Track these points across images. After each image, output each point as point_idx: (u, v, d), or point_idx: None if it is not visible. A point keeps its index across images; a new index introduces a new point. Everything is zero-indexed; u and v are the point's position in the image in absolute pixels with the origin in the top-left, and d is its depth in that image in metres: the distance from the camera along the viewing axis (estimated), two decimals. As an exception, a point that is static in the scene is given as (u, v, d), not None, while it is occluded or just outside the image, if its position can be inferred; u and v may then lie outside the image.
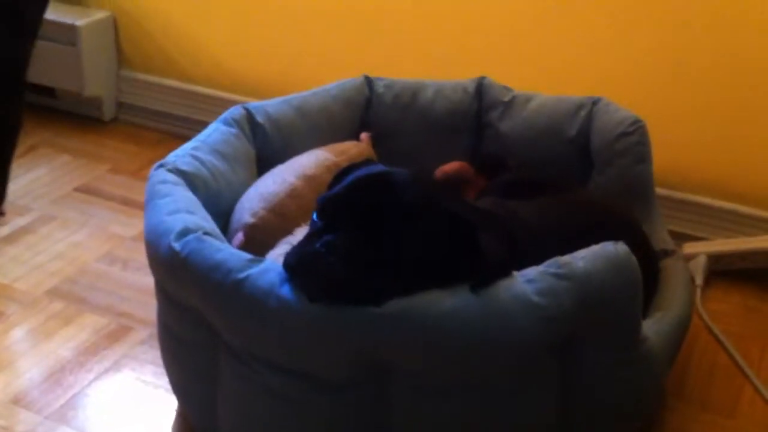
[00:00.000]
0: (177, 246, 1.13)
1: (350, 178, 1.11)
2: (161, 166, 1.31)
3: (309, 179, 1.38)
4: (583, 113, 1.55)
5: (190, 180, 1.30)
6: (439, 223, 1.05)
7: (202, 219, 1.20)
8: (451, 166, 1.53)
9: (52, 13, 2.05)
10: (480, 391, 1.08)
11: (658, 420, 1.33)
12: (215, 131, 1.43)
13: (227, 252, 1.11)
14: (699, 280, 1.61)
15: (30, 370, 1.39)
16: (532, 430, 1.12)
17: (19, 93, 0.77)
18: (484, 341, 1.03)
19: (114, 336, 1.47)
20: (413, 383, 1.07)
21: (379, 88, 1.64)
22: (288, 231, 1.31)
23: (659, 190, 1.60)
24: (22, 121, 0.81)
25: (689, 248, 1.66)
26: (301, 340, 1.06)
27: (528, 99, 1.60)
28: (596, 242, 1.12)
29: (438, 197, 1.10)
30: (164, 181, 1.27)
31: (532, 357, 1.07)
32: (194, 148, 1.37)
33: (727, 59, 1.64)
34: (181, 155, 1.34)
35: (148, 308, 1.48)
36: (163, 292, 1.24)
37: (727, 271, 1.66)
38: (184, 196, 1.25)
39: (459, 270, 1.06)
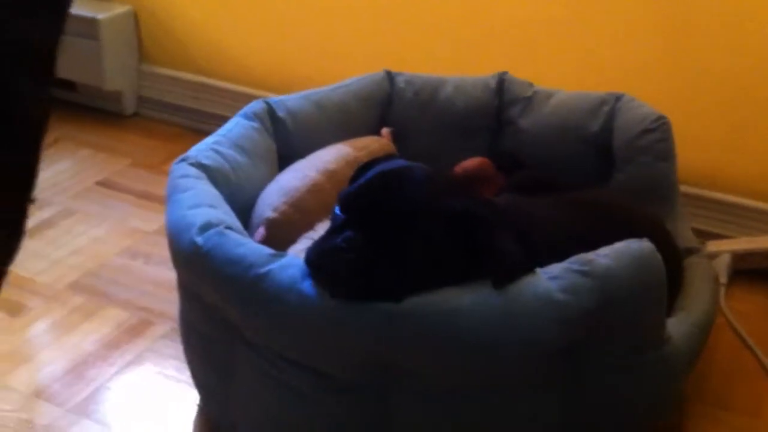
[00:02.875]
0: (199, 240, 1.13)
1: (371, 173, 1.11)
2: (183, 160, 1.31)
3: (330, 174, 1.38)
4: (605, 109, 1.53)
5: (211, 174, 1.30)
6: (458, 220, 1.05)
7: (224, 213, 1.20)
8: (471, 163, 1.52)
9: (72, 7, 2.06)
10: (498, 391, 1.07)
11: (679, 420, 1.31)
12: (236, 125, 1.43)
13: (249, 247, 1.11)
14: (723, 279, 1.60)
15: (52, 363, 1.40)
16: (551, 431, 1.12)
17: (49, 79, 0.78)
18: (504, 338, 1.03)
19: (136, 330, 1.48)
20: (428, 383, 1.07)
21: (400, 83, 1.63)
22: (309, 226, 1.30)
23: (683, 188, 1.58)
24: (51, 111, 0.81)
25: (713, 246, 1.65)
26: (320, 335, 1.06)
27: (549, 95, 1.59)
28: (617, 240, 1.11)
29: (457, 193, 1.10)
30: (186, 175, 1.27)
31: (552, 355, 1.07)
32: (215, 143, 1.37)
33: (754, 57, 1.62)
34: (203, 149, 1.34)
35: (170, 302, 1.48)
36: (184, 286, 1.24)
37: (751, 270, 1.64)
38: (205, 190, 1.25)
39: (477, 267, 1.05)
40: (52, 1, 0.75)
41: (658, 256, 1.09)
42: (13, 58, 0.73)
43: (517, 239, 1.11)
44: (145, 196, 1.87)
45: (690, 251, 1.39)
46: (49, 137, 0.83)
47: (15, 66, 0.74)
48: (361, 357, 1.05)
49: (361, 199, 1.06)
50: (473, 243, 1.04)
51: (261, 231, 1.30)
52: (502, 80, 1.62)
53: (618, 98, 1.54)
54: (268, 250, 1.11)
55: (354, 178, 1.15)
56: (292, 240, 1.28)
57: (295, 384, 1.10)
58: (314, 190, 1.35)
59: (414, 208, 1.04)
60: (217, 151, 1.35)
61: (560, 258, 1.09)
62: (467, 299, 1.02)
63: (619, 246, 1.09)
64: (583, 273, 1.05)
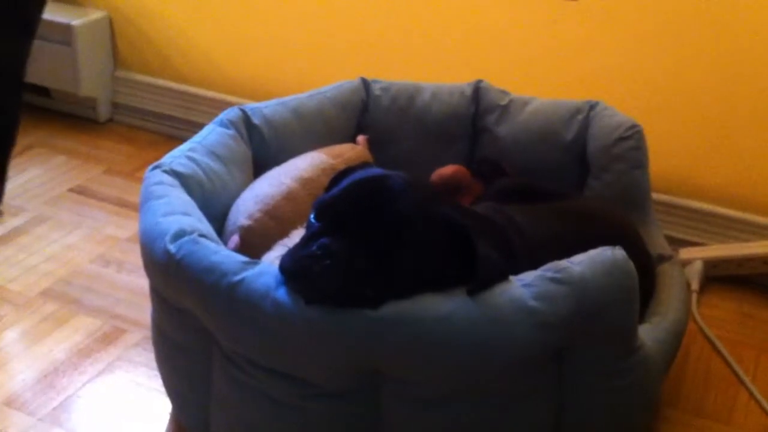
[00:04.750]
0: (172, 248, 1.12)
1: (347, 181, 1.11)
2: (157, 167, 1.31)
3: (305, 182, 1.38)
4: (580, 117, 1.55)
5: (185, 182, 1.30)
6: (435, 227, 1.05)
7: (198, 221, 1.19)
8: (447, 170, 1.52)
9: (47, 13, 2.03)
10: (475, 398, 1.08)
11: (653, 426, 1.32)
12: (211, 133, 1.43)
13: (223, 254, 1.11)
14: (695, 286, 1.61)
15: (23, 371, 1.38)
16: (528, 437, 1.12)
17: (17, 92, 0.78)
18: (480, 345, 1.03)
19: (108, 338, 1.46)
20: (408, 389, 1.07)
21: (376, 90, 1.63)
22: (284, 233, 1.30)
23: (656, 195, 1.60)
24: (20, 120, 0.81)
25: (686, 253, 1.66)
26: (296, 343, 1.05)
27: (525, 103, 1.60)
28: (593, 247, 1.12)
29: (434, 201, 1.10)
30: (160, 183, 1.27)
31: (528, 362, 1.07)
32: (190, 150, 1.37)
33: (725, 67, 1.64)
34: (177, 156, 1.34)
35: (143, 310, 1.48)
36: (157, 294, 1.23)
37: (723, 277, 1.66)
38: (179, 197, 1.24)
39: (455, 274, 1.05)
40: (21, 19, 0.75)
41: (631, 263, 1.10)
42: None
43: (495, 247, 1.11)
44: (119, 203, 1.86)
45: (662, 258, 1.40)
46: (22, 144, 0.83)
47: None
48: (339, 363, 1.05)
49: (337, 207, 1.06)
50: (452, 250, 1.05)
51: (235, 239, 1.30)
52: (477, 88, 1.63)
53: (592, 106, 1.55)
54: (242, 258, 1.10)
55: (330, 186, 1.15)
56: (267, 248, 1.28)
57: (273, 392, 1.10)
58: (289, 197, 1.35)
59: (390, 216, 1.04)
60: (191, 159, 1.35)
61: (539, 265, 1.10)
62: (444, 306, 1.02)
63: (593, 253, 1.10)
64: (557, 280, 1.06)
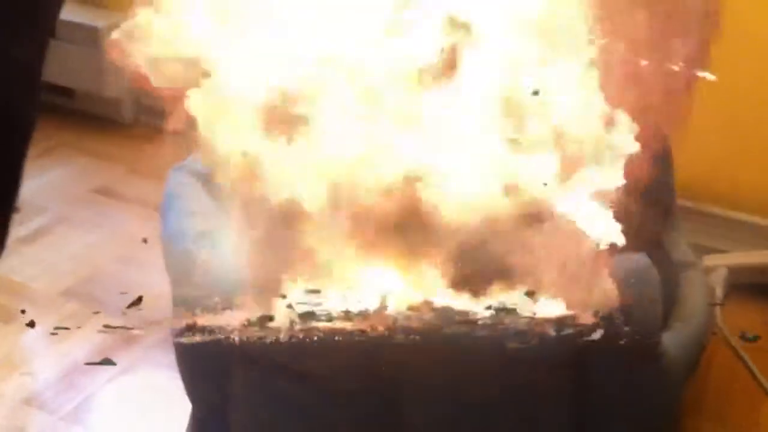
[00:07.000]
0: (194, 248, 1.12)
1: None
2: (180, 168, 1.31)
3: (327, 184, 1.38)
4: (603, 122, 1.53)
5: (208, 182, 1.30)
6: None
7: (221, 222, 1.20)
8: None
9: (72, 15, 2.06)
10: (493, 403, 1.07)
11: (676, 435, 1.31)
12: (234, 134, 1.43)
13: (244, 255, 1.11)
14: (719, 293, 1.59)
15: (44, 370, 1.39)
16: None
17: (34, 91, 0.78)
18: (500, 354, 1.02)
19: (128, 338, 1.47)
20: (426, 392, 1.07)
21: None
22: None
23: (680, 202, 1.58)
24: (37, 120, 0.81)
25: (709, 261, 1.64)
26: (318, 346, 1.05)
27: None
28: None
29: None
30: (182, 183, 1.27)
31: (548, 371, 1.06)
32: (213, 151, 1.37)
33: (750, 71, 1.62)
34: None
35: (164, 311, 1.48)
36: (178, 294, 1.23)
37: (747, 285, 1.64)
38: (202, 198, 1.25)
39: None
40: (33, 17, 0.76)
41: (654, 270, 1.09)
42: (4, 75, 0.74)
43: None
44: (142, 204, 1.87)
45: (686, 265, 1.39)
46: (46, 144, 0.84)
47: (7, 82, 0.75)
48: (358, 367, 1.05)
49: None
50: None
51: (256, 240, 1.30)
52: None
53: (615, 112, 1.54)
54: (264, 260, 1.10)
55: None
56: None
57: (293, 394, 1.09)
58: (311, 199, 1.35)
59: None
60: (214, 159, 1.35)
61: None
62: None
63: (614, 260, 1.09)
64: (579, 287, 1.05)
